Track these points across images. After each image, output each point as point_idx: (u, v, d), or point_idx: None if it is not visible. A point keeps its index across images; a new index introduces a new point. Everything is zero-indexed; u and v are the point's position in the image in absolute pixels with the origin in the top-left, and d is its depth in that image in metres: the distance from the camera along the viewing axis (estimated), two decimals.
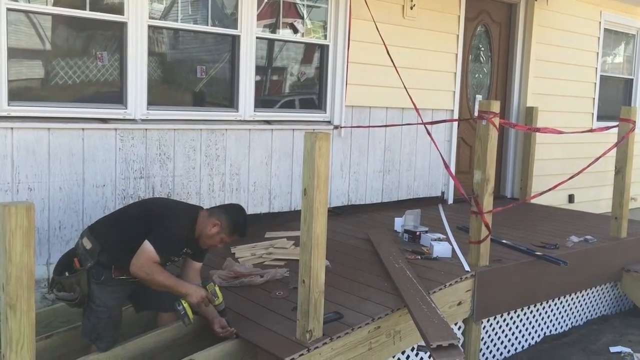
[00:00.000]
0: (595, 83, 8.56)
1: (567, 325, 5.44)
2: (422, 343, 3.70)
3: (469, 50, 7.24)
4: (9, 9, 4.03)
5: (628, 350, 4.81)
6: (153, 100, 4.76)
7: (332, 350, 3.28)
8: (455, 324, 4.34)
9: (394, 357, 3.87)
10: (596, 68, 8.52)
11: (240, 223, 3.47)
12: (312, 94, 5.96)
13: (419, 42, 6.44)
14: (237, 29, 5.18)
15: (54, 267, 3.42)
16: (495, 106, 4.40)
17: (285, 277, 4.21)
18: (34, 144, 4.18)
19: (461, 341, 4.42)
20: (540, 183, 7.31)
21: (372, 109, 6.20)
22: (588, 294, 5.63)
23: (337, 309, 3.60)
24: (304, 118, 5.80)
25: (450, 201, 7.08)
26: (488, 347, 4.71)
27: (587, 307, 5.66)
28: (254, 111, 5.37)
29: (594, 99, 8.56)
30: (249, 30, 5.22)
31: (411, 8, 6.30)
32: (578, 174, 5.17)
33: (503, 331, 4.82)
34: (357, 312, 3.60)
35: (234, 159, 5.25)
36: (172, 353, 3.37)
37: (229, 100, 5.29)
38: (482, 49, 7.49)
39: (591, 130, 6.01)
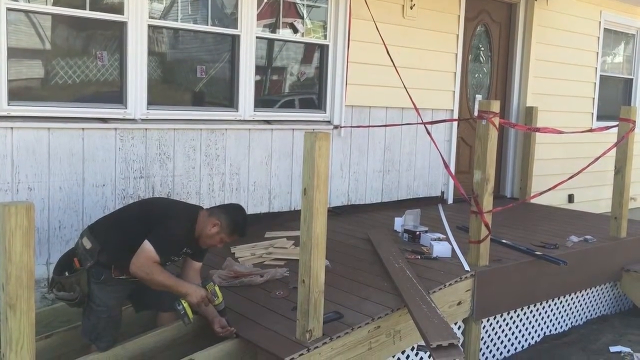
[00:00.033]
0: (595, 83, 8.56)
1: (566, 325, 5.44)
2: (422, 343, 3.70)
3: (469, 50, 7.24)
4: (8, 9, 4.03)
5: (628, 350, 4.81)
6: (153, 100, 4.76)
7: (332, 350, 3.29)
8: (455, 324, 4.34)
9: (393, 356, 3.87)
10: (596, 68, 8.52)
11: (240, 223, 3.47)
12: (312, 94, 5.96)
13: (419, 41, 6.44)
14: (237, 28, 5.18)
15: (53, 266, 3.43)
16: (495, 106, 4.40)
17: (285, 276, 4.21)
18: (33, 143, 4.18)
19: (461, 341, 4.42)
20: (540, 183, 7.31)
21: (372, 109, 6.20)
22: (588, 293, 5.63)
23: (337, 308, 3.60)
24: (304, 118, 5.80)
25: (450, 201, 7.09)
26: (488, 346, 4.71)
27: (587, 307, 5.67)
28: (254, 111, 5.37)
29: (593, 98, 8.56)
30: (249, 30, 5.22)
31: (411, 8, 6.30)
32: (578, 173, 5.17)
33: (503, 331, 4.82)
34: (357, 311, 3.60)
35: (234, 159, 5.25)
36: (172, 353, 3.37)
37: (229, 100, 5.29)
38: (482, 48, 7.49)
39: (591, 130, 6.01)
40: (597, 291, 5.75)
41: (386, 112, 6.30)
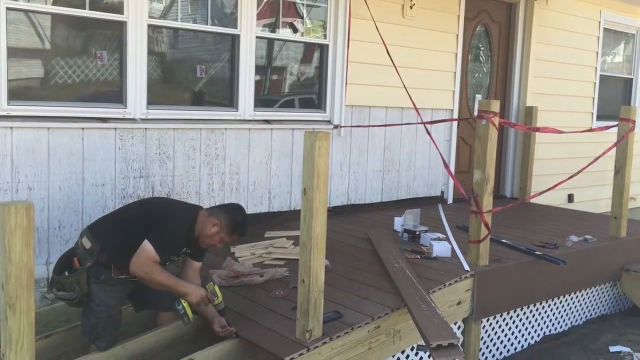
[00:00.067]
0: (595, 82, 8.56)
1: (566, 324, 5.44)
2: (422, 342, 3.70)
3: (469, 49, 7.24)
4: (8, 8, 4.03)
5: (627, 349, 4.81)
6: (153, 100, 4.75)
7: (332, 349, 3.28)
8: (455, 324, 4.34)
9: (393, 356, 3.87)
10: (596, 67, 8.52)
11: (240, 222, 3.47)
12: (311, 94, 5.96)
13: (419, 41, 6.44)
14: (236, 28, 5.18)
15: (53, 266, 3.43)
16: (495, 106, 4.40)
17: (284, 276, 4.21)
18: (33, 143, 4.17)
19: (461, 340, 4.42)
20: (539, 182, 7.31)
21: (372, 109, 6.20)
22: (587, 293, 5.63)
23: (336, 308, 3.60)
24: (304, 117, 5.80)
25: (450, 201, 7.08)
26: (488, 346, 4.71)
27: (587, 307, 5.67)
28: (254, 110, 5.37)
29: (593, 98, 8.56)
30: (249, 30, 5.22)
31: (411, 7, 6.30)
32: (577, 173, 5.17)
33: (503, 331, 4.82)
34: (356, 311, 3.60)
35: (234, 159, 5.25)
36: (171, 352, 3.37)
37: (229, 100, 5.29)
38: (482, 48, 7.49)
39: (591, 130, 6.01)
40: (596, 291, 5.75)
41: (386, 111, 6.30)
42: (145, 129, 4.70)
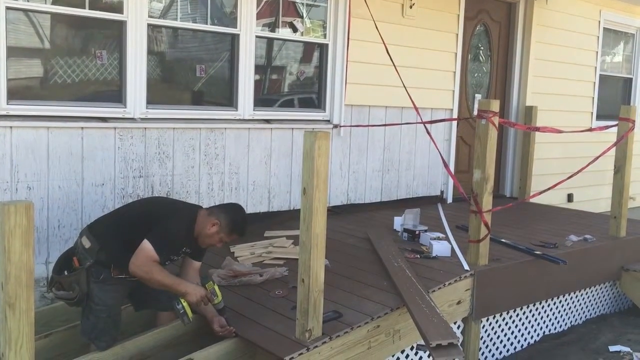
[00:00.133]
0: (595, 82, 8.56)
1: (566, 324, 5.44)
2: (422, 342, 3.71)
3: (469, 49, 7.24)
4: (8, 8, 4.03)
5: (627, 349, 4.82)
6: (152, 99, 4.75)
7: (332, 349, 3.28)
8: (455, 323, 4.34)
9: (393, 356, 3.87)
10: (595, 67, 8.52)
11: (240, 222, 3.47)
12: (311, 93, 5.96)
13: (419, 41, 6.44)
14: (236, 27, 5.17)
15: (53, 266, 3.43)
16: (495, 105, 4.40)
17: (284, 276, 4.21)
18: (33, 142, 4.17)
19: (460, 340, 4.42)
20: (539, 182, 7.32)
21: (372, 108, 6.20)
22: (587, 293, 5.63)
23: (336, 308, 3.60)
24: (304, 117, 5.80)
25: (450, 200, 7.08)
26: (487, 346, 4.71)
27: (586, 306, 5.67)
28: (254, 110, 5.37)
29: (593, 98, 8.56)
30: (249, 29, 5.22)
31: (410, 7, 6.30)
32: (577, 173, 5.17)
33: (502, 330, 4.82)
34: (356, 311, 3.60)
35: (233, 158, 5.25)
36: (171, 352, 3.37)
37: (228, 99, 5.29)
38: (482, 48, 7.49)
39: (590, 130, 6.01)
40: (596, 290, 5.75)
41: (386, 111, 6.30)
42: (145, 128, 4.70)
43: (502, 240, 5.19)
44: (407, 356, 4.01)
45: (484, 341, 4.67)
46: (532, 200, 6.62)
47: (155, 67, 4.85)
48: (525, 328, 5.02)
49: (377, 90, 6.12)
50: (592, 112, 8.56)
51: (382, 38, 5.38)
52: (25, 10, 4.16)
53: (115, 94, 4.60)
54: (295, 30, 5.68)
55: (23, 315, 2.38)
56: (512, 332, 4.91)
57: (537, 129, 5.55)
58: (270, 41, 5.57)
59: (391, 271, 4.21)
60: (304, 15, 5.76)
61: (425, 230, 5.21)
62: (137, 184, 4.68)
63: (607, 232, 5.82)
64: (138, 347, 3.33)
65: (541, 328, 5.18)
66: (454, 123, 6.98)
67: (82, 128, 4.38)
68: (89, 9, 4.37)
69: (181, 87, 5.15)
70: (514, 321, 4.91)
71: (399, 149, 6.52)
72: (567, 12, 7.94)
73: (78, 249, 3.30)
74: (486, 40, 7.49)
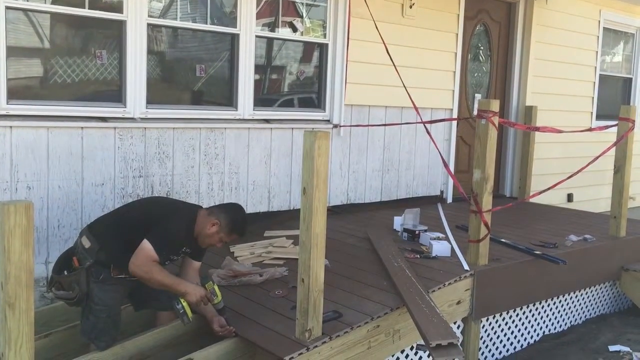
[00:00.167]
0: (595, 82, 8.56)
1: (566, 324, 5.44)
2: (422, 342, 3.70)
3: (468, 49, 7.23)
4: (7, 7, 4.02)
5: (627, 349, 4.82)
6: (152, 99, 4.75)
7: (331, 349, 3.28)
8: (455, 323, 4.34)
9: (393, 356, 3.87)
10: (595, 67, 8.52)
11: (239, 222, 3.47)
12: (311, 93, 5.96)
13: (419, 41, 6.44)
14: (236, 27, 5.17)
15: (52, 265, 3.42)
16: (495, 105, 4.40)
17: (284, 276, 4.21)
18: (32, 142, 4.17)
19: (460, 340, 4.42)
20: (539, 182, 7.31)
21: (372, 108, 6.20)
22: (587, 293, 5.64)
23: (336, 308, 3.60)
24: (303, 117, 5.80)
25: (450, 200, 7.08)
26: (487, 346, 4.71)
27: (586, 306, 5.67)
28: (253, 110, 5.36)
29: (593, 98, 8.56)
30: (248, 29, 5.22)
31: (410, 7, 6.30)
32: (577, 173, 5.17)
33: (502, 330, 4.82)
34: (356, 311, 3.60)
35: (233, 158, 5.24)
36: (171, 352, 3.37)
37: (228, 99, 5.28)
38: (482, 47, 7.49)
39: (590, 129, 6.01)
40: (596, 290, 5.75)
41: (385, 111, 6.30)
42: (145, 128, 4.70)
43: (502, 240, 5.19)
44: (407, 356, 4.01)
45: (484, 341, 4.67)
46: (532, 200, 6.63)
47: (155, 67, 4.85)
48: (525, 328, 5.02)
49: (377, 90, 6.12)
50: (592, 112, 8.56)
51: (382, 38, 5.38)
52: (25, 10, 4.15)
53: (115, 93, 4.60)
54: (295, 30, 5.67)
55: (23, 315, 2.38)
56: (512, 332, 4.91)
57: (537, 129, 5.54)
58: (270, 41, 5.57)
59: (391, 271, 4.21)
60: (304, 15, 5.76)
61: (425, 230, 5.21)
62: (137, 183, 4.68)
63: (607, 232, 5.82)
64: (138, 347, 3.33)
65: (541, 328, 5.18)
66: (454, 123, 6.98)
67: (82, 128, 4.38)
68: (89, 9, 4.37)
69: (181, 87, 5.15)
70: (513, 321, 4.91)
71: (399, 149, 6.52)
72: (567, 12, 7.94)
73: (78, 248, 3.30)
74: (486, 40, 7.49)
